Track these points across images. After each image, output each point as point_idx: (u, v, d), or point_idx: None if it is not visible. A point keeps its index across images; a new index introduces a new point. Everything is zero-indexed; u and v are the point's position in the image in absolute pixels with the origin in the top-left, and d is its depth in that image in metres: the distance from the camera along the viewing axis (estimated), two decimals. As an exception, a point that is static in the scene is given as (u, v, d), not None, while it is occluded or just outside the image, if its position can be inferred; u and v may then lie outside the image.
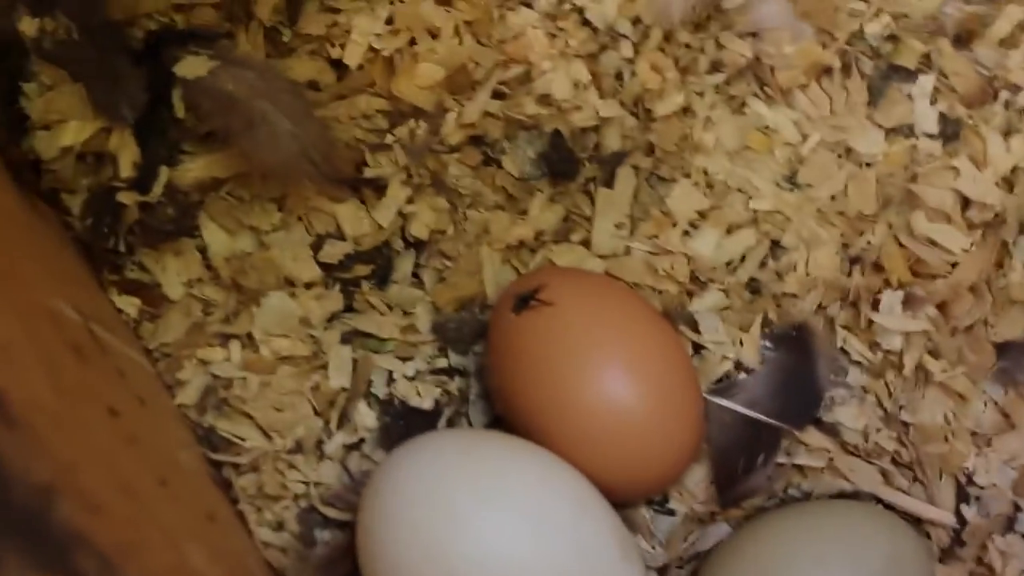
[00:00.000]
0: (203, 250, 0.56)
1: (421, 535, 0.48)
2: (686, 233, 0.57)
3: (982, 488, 0.54)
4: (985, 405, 0.55)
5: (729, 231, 0.57)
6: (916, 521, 0.54)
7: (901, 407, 0.55)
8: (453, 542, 0.47)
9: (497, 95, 0.57)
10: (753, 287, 0.57)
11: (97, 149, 0.54)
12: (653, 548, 0.54)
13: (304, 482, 0.55)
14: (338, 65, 0.57)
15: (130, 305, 0.56)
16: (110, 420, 0.45)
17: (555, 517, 0.48)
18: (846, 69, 0.58)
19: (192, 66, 0.52)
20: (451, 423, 0.56)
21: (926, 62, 0.58)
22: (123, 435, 0.45)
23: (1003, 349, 0.55)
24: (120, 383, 0.48)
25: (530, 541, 0.48)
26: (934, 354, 0.55)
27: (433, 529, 0.48)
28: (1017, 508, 0.54)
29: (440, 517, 0.48)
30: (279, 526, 0.55)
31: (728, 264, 0.57)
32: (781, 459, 0.54)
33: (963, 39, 0.58)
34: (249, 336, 0.56)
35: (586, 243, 0.57)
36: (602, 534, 0.49)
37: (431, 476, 0.49)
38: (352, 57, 0.57)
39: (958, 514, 0.54)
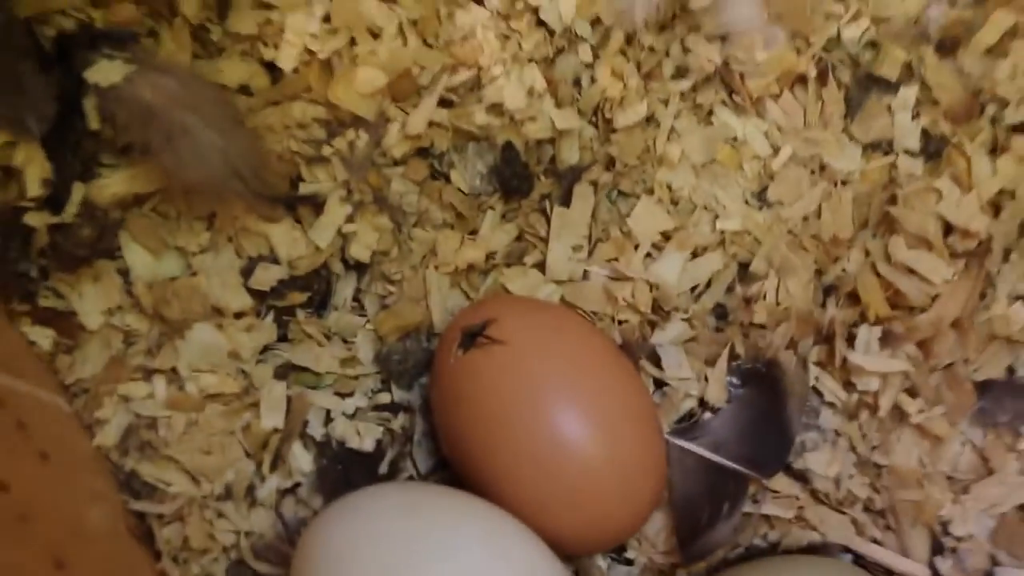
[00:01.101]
0: (124, 274, 0.51)
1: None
2: (648, 256, 0.52)
3: (958, 539, 0.50)
4: (963, 447, 0.50)
5: (695, 254, 0.52)
6: (888, 574, 0.49)
7: (874, 448, 0.50)
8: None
9: (444, 103, 0.51)
10: (719, 313, 0.52)
11: (1, 164, 0.47)
12: (609, 601, 0.50)
13: (234, 532, 0.50)
14: (272, 68, 0.51)
15: (43, 337, 0.50)
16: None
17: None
18: (822, 78, 0.52)
19: (106, 71, 0.46)
20: (394, 466, 0.51)
21: (908, 72, 0.52)
22: (12, 514, 0.38)
23: (984, 388, 0.50)
24: (16, 443, 0.42)
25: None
26: (911, 392, 0.50)
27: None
28: (995, 562, 0.50)
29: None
30: (206, 583, 0.51)
31: (693, 290, 0.52)
32: (747, 508, 0.49)
33: (947, 46, 0.52)
34: (174, 371, 0.50)
35: (540, 266, 0.52)
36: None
37: (367, 542, 0.43)
38: (286, 59, 0.50)
39: (932, 567, 0.49)
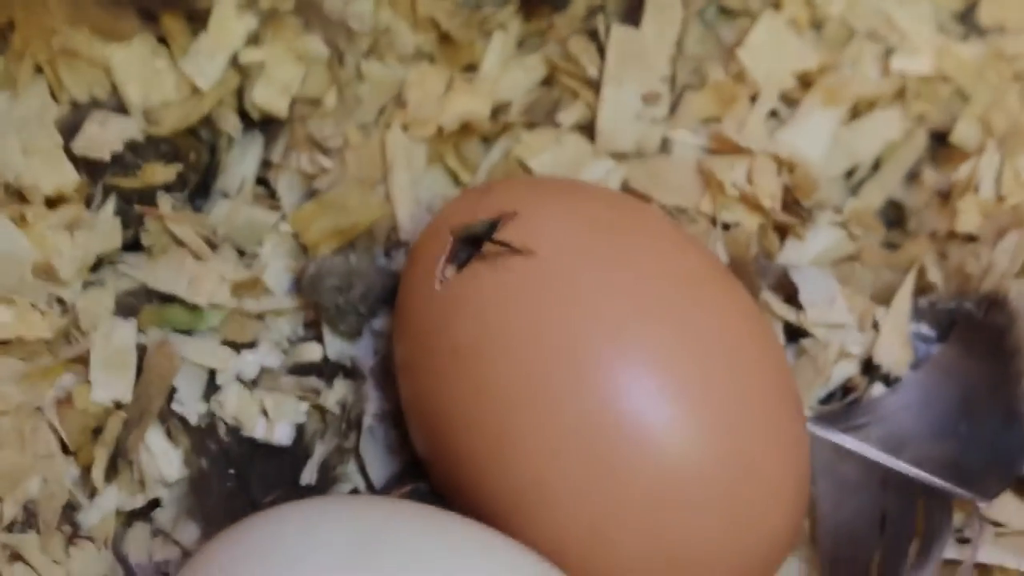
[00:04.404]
0: None
1: None
2: (774, 115, 0.47)
3: None
4: None
5: (854, 114, 0.47)
6: None
7: None
8: None
9: None
10: (896, 216, 0.47)
11: None
12: None
13: (37, 585, 0.44)
14: None
15: None
16: None
17: None
18: None
19: None
20: (327, 471, 0.45)
21: None
22: None
23: None
24: None
25: None
26: None
27: None
28: None
29: None
30: None
31: (850, 176, 0.47)
32: (950, 551, 0.42)
33: None
34: (-67, 298, 0.45)
35: (588, 129, 0.47)
36: None
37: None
38: None
39: None
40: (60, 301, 0.44)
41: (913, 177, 0.47)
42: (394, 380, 0.44)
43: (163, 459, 0.44)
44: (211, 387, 0.45)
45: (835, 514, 0.43)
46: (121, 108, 0.46)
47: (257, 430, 0.44)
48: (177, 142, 0.46)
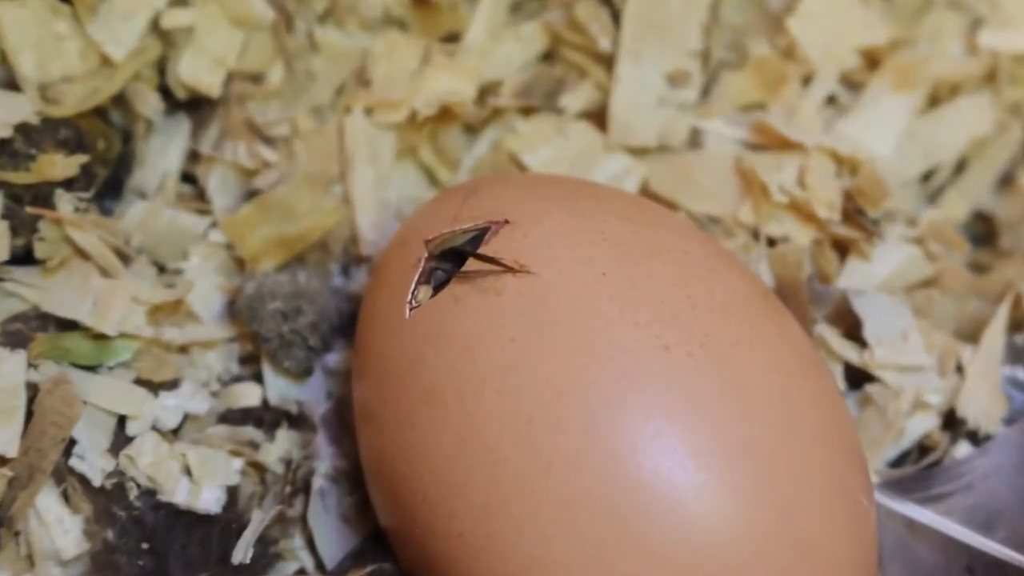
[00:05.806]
0: None
1: None
2: (832, 101, 0.45)
3: None
4: None
5: (933, 101, 0.45)
6: None
7: None
8: None
9: None
10: (984, 231, 0.46)
11: None
12: None
13: None
14: None
15: None
16: None
17: None
18: None
19: None
20: (267, 546, 0.42)
21: None
22: None
23: None
24: None
25: None
26: None
27: None
28: None
29: None
30: None
31: (927, 180, 0.45)
32: None
33: None
34: None
35: (598, 116, 0.44)
36: None
37: None
38: None
39: None
40: (-70, 327, 0.41)
41: (1006, 182, 0.46)
42: (352, 431, 0.42)
43: (58, 529, 0.41)
44: (120, 438, 0.41)
45: (910, 601, 0.40)
46: (11, 83, 0.43)
47: (178, 494, 0.41)
48: (82, 127, 0.43)
